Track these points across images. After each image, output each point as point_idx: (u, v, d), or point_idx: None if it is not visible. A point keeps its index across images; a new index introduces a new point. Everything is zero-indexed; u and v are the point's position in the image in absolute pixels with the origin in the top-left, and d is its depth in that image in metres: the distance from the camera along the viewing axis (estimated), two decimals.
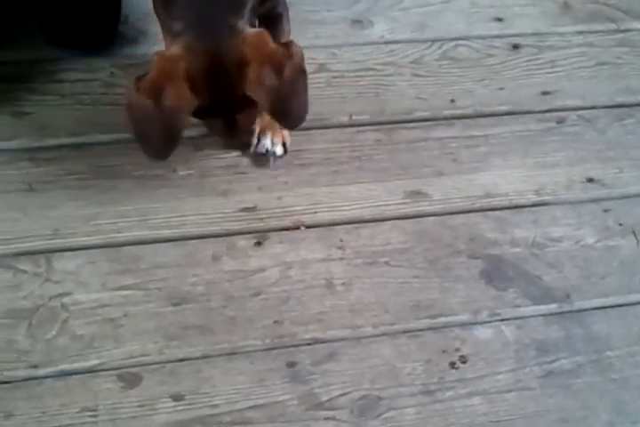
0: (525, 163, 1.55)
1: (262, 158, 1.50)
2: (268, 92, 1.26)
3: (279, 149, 1.50)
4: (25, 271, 1.32)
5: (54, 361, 1.23)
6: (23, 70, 1.58)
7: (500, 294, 1.36)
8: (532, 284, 1.37)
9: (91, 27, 1.60)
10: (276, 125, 1.48)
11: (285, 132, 1.51)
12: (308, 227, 1.42)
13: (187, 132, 1.48)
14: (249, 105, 1.31)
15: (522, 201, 1.49)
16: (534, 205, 1.49)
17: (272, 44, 1.27)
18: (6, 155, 1.46)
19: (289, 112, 1.34)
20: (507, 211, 1.47)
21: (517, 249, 1.41)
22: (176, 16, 1.28)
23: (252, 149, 1.50)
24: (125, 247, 1.36)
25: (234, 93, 1.28)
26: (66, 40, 1.60)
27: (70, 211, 1.40)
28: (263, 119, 1.49)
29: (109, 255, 1.35)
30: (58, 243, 1.36)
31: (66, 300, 1.29)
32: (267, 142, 1.50)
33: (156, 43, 1.53)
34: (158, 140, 1.31)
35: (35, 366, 1.22)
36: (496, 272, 1.38)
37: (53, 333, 1.25)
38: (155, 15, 1.35)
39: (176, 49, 1.25)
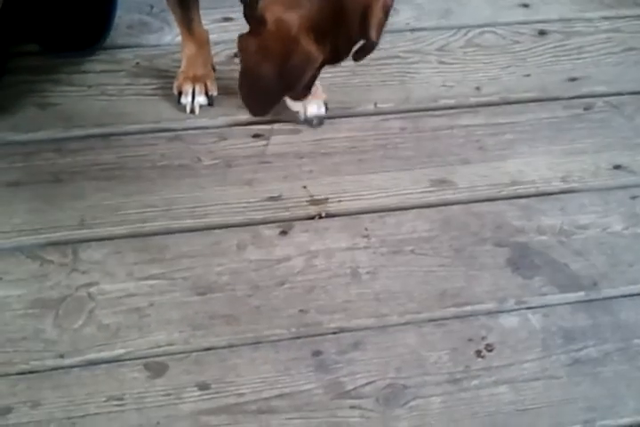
0: (552, 150, 1.54)
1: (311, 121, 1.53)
2: (377, 34, 1.23)
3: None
4: (52, 262, 1.32)
5: (81, 351, 1.23)
6: (48, 61, 1.59)
7: (526, 282, 1.35)
8: (558, 271, 1.36)
9: (84, 28, 1.60)
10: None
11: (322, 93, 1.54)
12: (332, 216, 1.41)
13: (212, 122, 1.50)
14: (348, 55, 1.27)
15: (548, 188, 1.48)
16: (561, 192, 1.48)
17: None
18: (33, 146, 1.47)
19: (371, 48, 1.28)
20: (533, 198, 1.46)
21: (544, 237, 1.41)
22: None
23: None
24: (151, 237, 1.37)
25: (351, 38, 1.23)
26: (61, 45, 1.59)
27: (96, 201, 1.40)
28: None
29: (135, 245, 1.35)
30: (84, 233, 1.36)
31: (92, 289, 1.30)
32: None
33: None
34: (270, 99, 1.29)
35: (61, 356, 1.23)
36: (522, 260, 1.38)
37: (80, 322, 1.26)
38: None
39: (286, 8, 1.17)
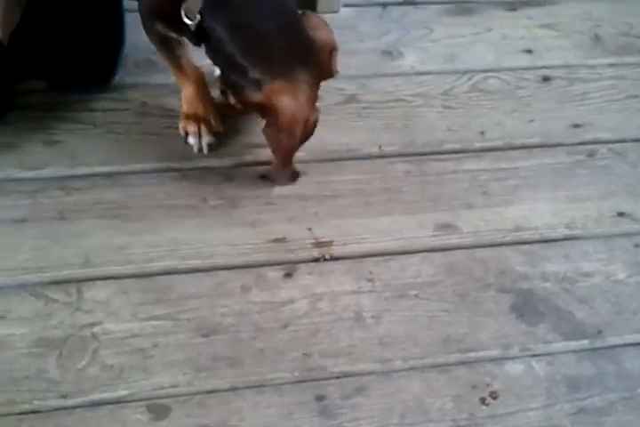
0: (556, 196, 1.55)
1: None
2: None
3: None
4: (56, 300, 1.32)
5: (84, 391, 1.23)
6: (55, 99, 1.59)
7: (530, 330, 1.35)
8: (563, 319, 1.37)
9: (92, 66, 1.60)
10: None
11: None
12: (337, 258, 1.41)
13: (218, 162, 1.50)
14: None
15: (552, 235, 1.49)
16: (565, 238, 1.48)
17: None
18: (38, 183, 1.47)
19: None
20: (537, 245, 1.47)
21: (548, 284, 1.41)
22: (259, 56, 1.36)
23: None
24: (156, 277, 1.37)
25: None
26: (68, 82, 1.59)
27: (101, 240, 1.40)
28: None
29: (140, 285, 1.35)
30: (89, 272, 1.36)
31: (96, 329, 1.29)
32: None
33: None
34: (292, 151, 1.45)
35: (64, 396, 1.22)
36: (526, 307, 1.38)
37: (84, 362, 1.25)
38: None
39: (281, 86, 1.35)
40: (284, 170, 1.48)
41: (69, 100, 1.59)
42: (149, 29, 1.47)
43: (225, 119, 1.56)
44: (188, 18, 1.36)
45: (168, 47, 1.49)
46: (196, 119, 1.54)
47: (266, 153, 1.48)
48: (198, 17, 1.35)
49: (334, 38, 1.43)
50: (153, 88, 1.63)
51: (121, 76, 1.64)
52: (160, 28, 1.44)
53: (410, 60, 1.77)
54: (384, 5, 1.89)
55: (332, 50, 1.42)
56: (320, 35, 1.41)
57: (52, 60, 1.59)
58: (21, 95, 1.57)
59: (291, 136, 1.39)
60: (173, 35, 1.44)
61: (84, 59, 1.59)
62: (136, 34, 1.66)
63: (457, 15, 1.89)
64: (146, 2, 1.44)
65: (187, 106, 1.55)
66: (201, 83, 1.54)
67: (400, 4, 1.89)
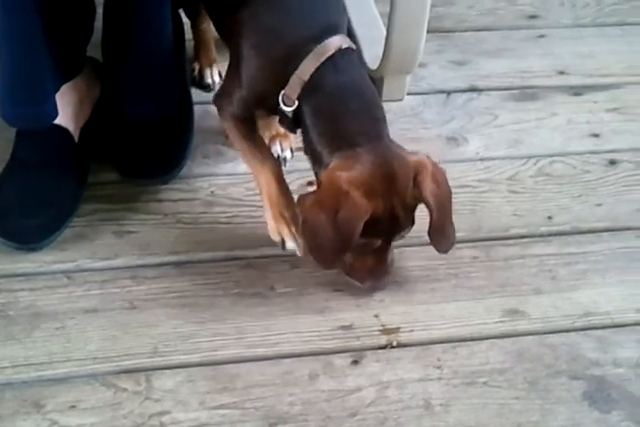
0: (626, 280, 1.53)
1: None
2: (435, 202, 1.36)
3: (288, 154, 1.67)
4: (125, 389, 1.33)
5: None
6: (125, 190, 1.63)
7: (603, 417, 1.32)
8: (637, 406, 1.34)
9: (162, 157, 1.64)
10: (284, 132, 1.62)
11: (292, 138, 1.65)
12: (404, 345, 1.41)
13: (284, 251, 1.51)
14: (411, 221, 1.39)
15: (623, 320, 1.46)
16: (636, 323, 1.46)
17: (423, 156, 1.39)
18: (109, 273, 1.49)
19: (445, 230, 1.42)
20: (608, 330, 1.45)
21: (620, 370, 1.38)
22: (333, 136, 1.36)
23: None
24: (223, 365, 1.37)
25: (405, 200, 1.35)
26: (138, 173, 1.63)
27: (169, 329, 1.41)
28: (270, 129, 1.64)
29: (207, 373, 1.36)
30: (157, 361, 1.37)
31: (165, 418, 1.29)
32: (277, 148, 1.65)
33: None
34: (332, 250, 1.36)
35: None
36: (599, 394, 1.35)
37: None
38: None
39: (340, 162, 1.33)
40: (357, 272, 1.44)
41: (139, 192, 1.62)
42: (236, 118, 1.49)
43: None
44: (286, 104, 1.40)
45: (247, 136, 1.50)
46: (284, 218, 1.48)
47: None
48: (296, 103, 1.39)
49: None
50: (220, 178, 1.66)
51: (189, 167, 1.67)
52: (249, 114, 1.48)
53: (475, 146, 1.78)
54: (448, 93, 1.91)
55: (417, 174, 1.36)
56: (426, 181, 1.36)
57: (124, 151, 1.64)
58: (92, 187, 1.61)
59: (322, 208, 1.33)
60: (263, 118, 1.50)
61: (153, 150, 1.63)
62: (203, 125, 1.71)
63: (521, 101, 1.90)
64: (247, 88, 1.44)
65: (270, 203, 1.48)
66: (280, 173, 1.50)
67: (464, 90, 1.91)
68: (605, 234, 1.61)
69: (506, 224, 1.62)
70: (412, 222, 1.39)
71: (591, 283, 1.52)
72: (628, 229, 1.62)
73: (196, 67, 1.86)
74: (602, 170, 1.74)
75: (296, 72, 1.37)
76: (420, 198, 1.36)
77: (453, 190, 1.64)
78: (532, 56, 2.02)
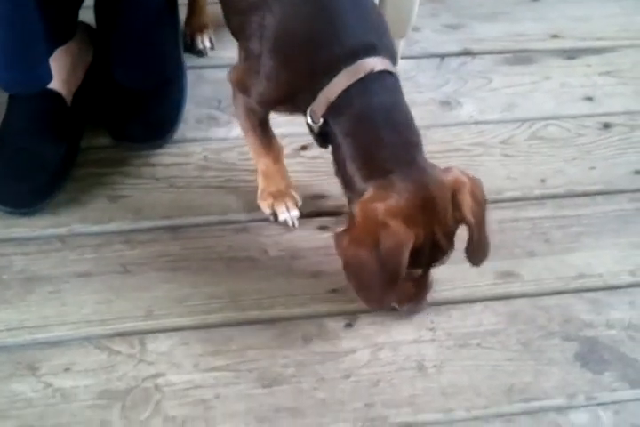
0: (619, 243, 1.53)
1: None
2: (476, 220, 1.28)
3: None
4: (119, 352, 1.33)
5: None
6: (117, 155, 1.62)
7: (596, 378, 1.33)
8: (629, 367, 1.34)
9: (154, 122, 1.63)
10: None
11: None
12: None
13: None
14: (452, 246, 1.30)
15: (616, 282, 1.47)
16: (629, 285, 1.46)
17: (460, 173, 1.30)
18: (102, 237, 1.49)
19: (483, 246, 1.34)
20: (601, 292, 1.45)
21: (613, 331, 1.39)
22: (364, 162, 1.29)
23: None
24: (217, 328, 1.37)
25: (446, 225, 1.27)
26: (131, 138, 1.62)
27: (163, 292, 1.41)
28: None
29: (201, 336, 1.36)
30: (151, 324, 1.37)
31: (159, 381, 1.30)
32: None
33: None
34: (380, 286, 1.27)
35: None
36: (591, 355, 1.36)
37: (146, 414, 1.26)
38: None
39: (374, 193, 1.25)
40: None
41: (132, 156, 1.62)
42: (249, 109, 1.44)
43: None
44: (312, 119, 1.34)
45: (264, 128, 1.47)
46: (279, 196, 1.52)
47: (326, 204, 1.49)
48: (322, 120, 1.33)
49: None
50: (213, 142, 1.66)
51: (182, 131, 1.66)
52: (264, 109, 1.43)
53: (468, 110, 1.78)
54: (442, 57, 1.90)
55: (455, 194, 1.27)
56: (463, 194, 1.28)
57: (116, 116, 1.63)
58: (85, 152, 1.61)
59: (361, 244, 1.25)
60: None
61: (146, 114, 1.62)
62: (196, 90, 1.70)
63: (515, 64, 1.89)
64: (265, 92, 1.37)
65: (266, 183, 1.52)
66: (281, 158, 1.51)
67: (458, 54, 1.91)
68: (599, 197, 1.61)
69: (500, 187, 1.62)
70: (453, 247, 1.31)
71: (584, 245, 1.52)
72: (622, 192, 1.62)
73: (187, 32, 1.85)
74: (596, 133, 1.74)
75: (323, 90, 1.30)
76: (460, 220, 1.28)
77: (447, 154, 1.67)
78: (526, 20, 2.02)
